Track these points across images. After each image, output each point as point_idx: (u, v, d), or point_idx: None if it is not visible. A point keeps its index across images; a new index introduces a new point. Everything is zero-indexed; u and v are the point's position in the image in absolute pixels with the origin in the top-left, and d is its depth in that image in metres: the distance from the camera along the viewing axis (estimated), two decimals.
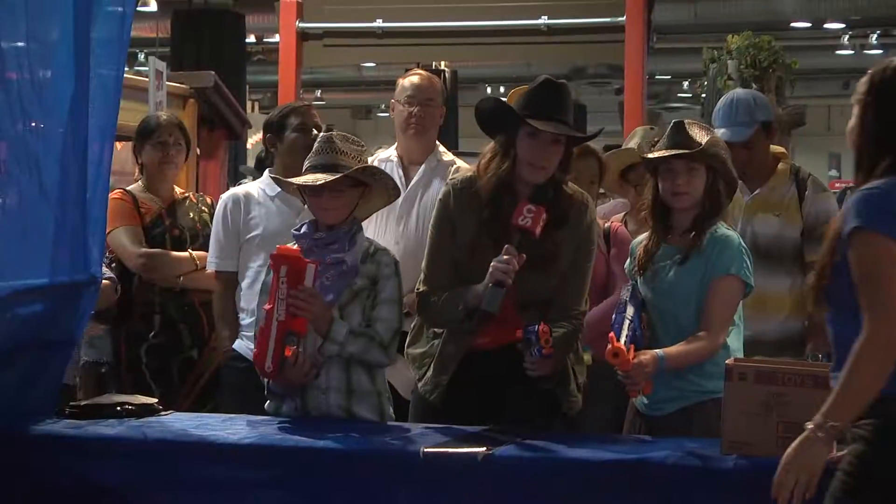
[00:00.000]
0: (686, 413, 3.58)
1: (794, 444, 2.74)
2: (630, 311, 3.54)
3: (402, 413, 3.90)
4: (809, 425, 2.73)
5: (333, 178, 3.62)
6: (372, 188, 3.75)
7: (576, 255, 3.71)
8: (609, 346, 3.37)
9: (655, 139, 4.44)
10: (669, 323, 3.63)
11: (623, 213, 4.78)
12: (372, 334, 3.68)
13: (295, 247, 3.70)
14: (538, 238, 3.59)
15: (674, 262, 3.63)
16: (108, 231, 4.19)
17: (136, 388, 4.52)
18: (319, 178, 3.63)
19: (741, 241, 3.67)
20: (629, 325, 3.48)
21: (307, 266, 3.59)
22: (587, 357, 3.94)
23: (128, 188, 4.85)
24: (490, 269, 3.54)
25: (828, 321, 2.85)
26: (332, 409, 3.69)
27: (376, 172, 3.78)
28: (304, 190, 3.72)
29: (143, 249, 4.68)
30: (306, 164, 3.74)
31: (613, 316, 3.57)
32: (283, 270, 3.59)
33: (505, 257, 3.53)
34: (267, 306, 3.62)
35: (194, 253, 4.74)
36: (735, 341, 3.64)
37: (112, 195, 4.64)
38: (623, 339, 3.40)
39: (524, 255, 3.55)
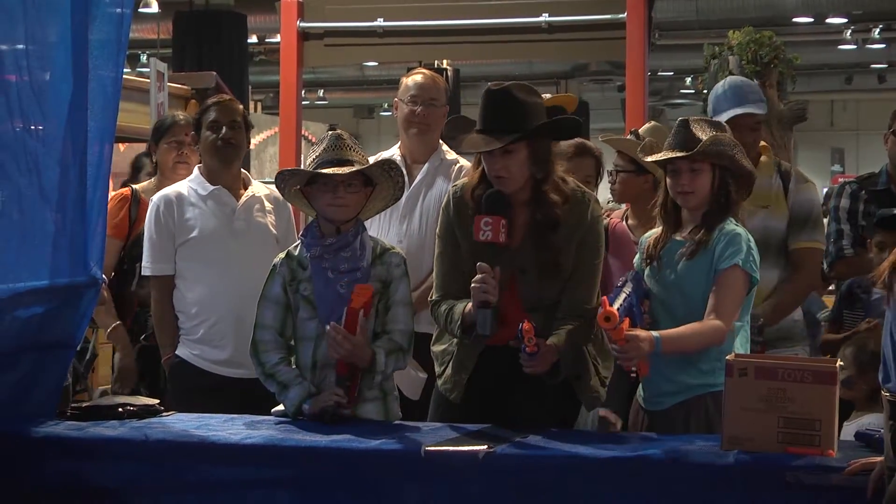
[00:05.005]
0: (685, 407, 3.57)
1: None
2: (628, 288, 3.52)
3: (408, 412, 3.88)
4: None
5: (360, 168, 3.58)
6: (375, 190, 3.71)
7: (581, 252, 3.64)
8: (601, 309, 3.31)
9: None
10: (675, 316, 3.60)
11: (623, 210, 4.77)
12: (399, 344, 3.66)
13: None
14: (518, 246, 3.58)
15: (680, 257, 3.62)
16: None
17: None
18: (344, 168, 3.57)
19: (749, 236, 3.64)
20: (625, 297, 3.45)
21: (344, 309, 3.57)
22: None
23: (135, 186, 4.78)
24: (472, 293, 3.51)
25: None
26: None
27: (393, 168, 3.71)
28: (312, 186, 3.63)
29: None
30: (314, 161, 3.62)
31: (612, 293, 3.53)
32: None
33: (479, 276, 3.49)
34: None
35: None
36: (741, 346, 3.60)
37: (114, 195, 4.60)
38: (616, 307, 3.35)
39: (498, 269, 3.51)
